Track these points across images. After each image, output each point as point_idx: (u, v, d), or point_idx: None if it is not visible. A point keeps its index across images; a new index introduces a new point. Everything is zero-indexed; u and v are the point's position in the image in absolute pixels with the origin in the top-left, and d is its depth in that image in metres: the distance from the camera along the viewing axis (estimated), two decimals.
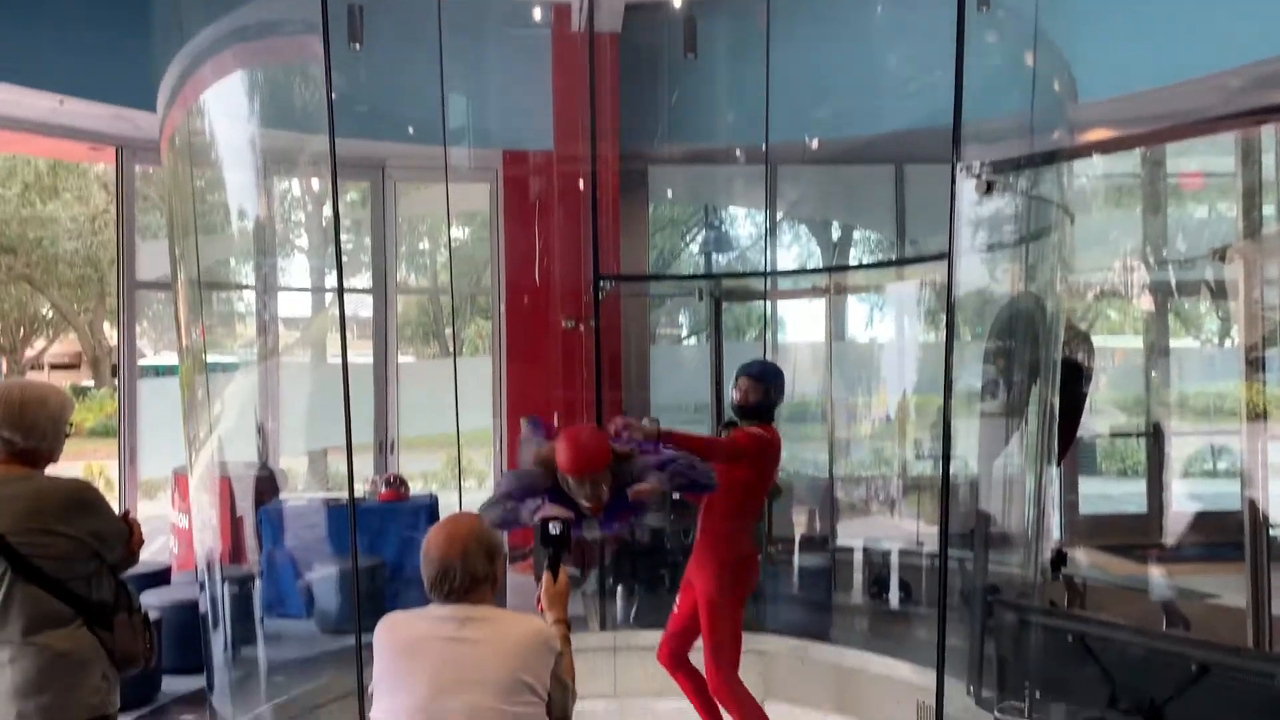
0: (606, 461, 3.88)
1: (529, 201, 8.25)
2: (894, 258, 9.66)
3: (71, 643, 2.79)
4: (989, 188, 3.31)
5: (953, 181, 3.26)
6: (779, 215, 9.55)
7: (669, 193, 9.81)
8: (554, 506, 3.92)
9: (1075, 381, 4.98)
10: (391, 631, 2.47)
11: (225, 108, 4.44)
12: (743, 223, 10.69)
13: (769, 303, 7.52)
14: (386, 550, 6.85)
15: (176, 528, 7.76)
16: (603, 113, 8.03)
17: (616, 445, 4.02)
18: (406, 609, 2.60)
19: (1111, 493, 10.95)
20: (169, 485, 8.39)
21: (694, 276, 9.13)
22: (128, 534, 2.98)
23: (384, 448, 8.71)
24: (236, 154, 4.78)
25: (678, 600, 4.74)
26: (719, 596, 4.46)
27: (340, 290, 3.91)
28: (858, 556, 6.58)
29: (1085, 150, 5.36)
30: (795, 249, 11.38)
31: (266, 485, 7.19)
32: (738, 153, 8.33)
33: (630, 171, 8.56)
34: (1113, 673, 3.11)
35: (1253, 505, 5.18)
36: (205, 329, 4.81)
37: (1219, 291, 8.02)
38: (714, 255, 10.43)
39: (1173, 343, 9.69)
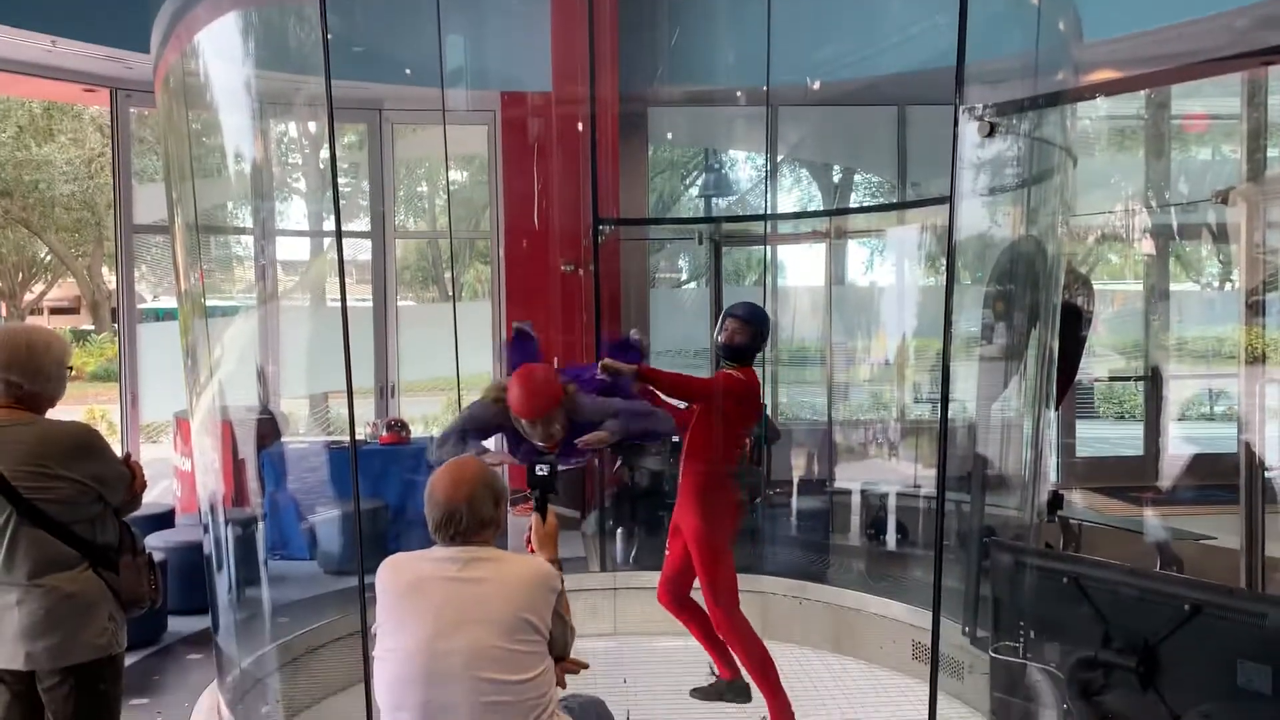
0: (558, 402, 3.92)
1: (527, 144, 8.17)
2: (895, 200, 9.62)
3: (78, 585, 2.83)
4: (991, 130, 3.27)
5: (955, 124, 3.23)
6: (780, 158, 9.49)
7: (669, 135, 9.71)
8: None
9: (1074, 326, 4.97)
10: (394, 573, 2.50)
11: (219, 48, 4.36)
12: (743, 166, 10.62)
13: (768, 247, 7.48)
14: (388, 492, 6.91)
15: (179, 471, 7.80)
16: (602, 53, 7.93)
17: (566, 382, 4.03)
18: (408, 550, 2.63)
19: (1110, 436, 11.02)
20: (171, 429, 8.43)
21: (692, 220, 9.08)
22: (130, 477, 3.00)
23: (384, 391, 8.72)
24: (231, 96, 4.71)
25: (668, 544, 4.79)
26: (707, 539, 4.49)
27: (339, 234, 3.87)
28: (855, 499, 6.63)
29: (1090, 92, 5.29)
30: (796, 192, 11.33)
31: (268, 429, 7.21)
32: (738, 94, 8.23)
33: (630, 113, 8.48)
34: (1106, 613, 3.15)
35: (1248, 448, 5.21)
36: (204, 273, 4.77)
37: (1220, 235, 7.99)
38: (714, 199, 10.38)
39: (1173, 286, 9.68)
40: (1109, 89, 5.53)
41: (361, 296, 9.07)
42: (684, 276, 11.32)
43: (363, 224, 9.58)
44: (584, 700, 2.88)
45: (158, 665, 5.04)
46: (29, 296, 25.86)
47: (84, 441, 2.89)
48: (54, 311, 28.22)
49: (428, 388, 13.96)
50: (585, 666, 2.70)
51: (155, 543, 5.84)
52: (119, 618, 2.93)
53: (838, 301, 7.70)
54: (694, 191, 12.53)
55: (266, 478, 6.82)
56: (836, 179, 11.61)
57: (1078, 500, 8.22)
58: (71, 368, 3.02)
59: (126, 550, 2.96)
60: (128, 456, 3.06)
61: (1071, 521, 6.16)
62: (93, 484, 2.85)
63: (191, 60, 4.33)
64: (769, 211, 7.88)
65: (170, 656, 5.16)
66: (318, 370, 8.45)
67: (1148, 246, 9.10)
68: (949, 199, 3.28)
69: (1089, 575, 3.22)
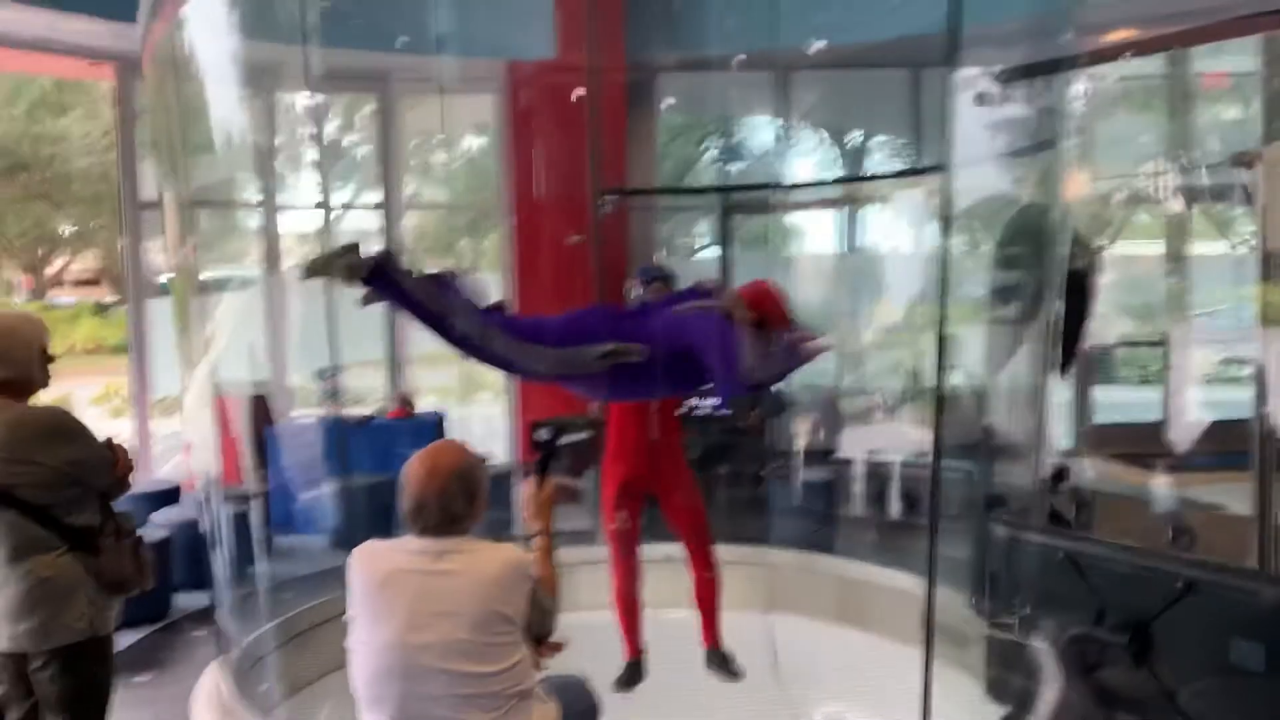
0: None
1: (531, 114, 8.08)
2: (911, 165, 9.45)
3: (55, 569, 2.83)
4: (981, 99, 3.18)
5: (945, 95, 3.14)
6: (792, 123, 9.34)
7: (677, 102, 9.58)
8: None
9: (1080, 293, 4.89)
10: (368, 562, 2.46)
11: (209, 18, 4.26)
12: (757, 131, 10.46)
13: (775, 214, 7.39)
14: (394, 467, 6.90)
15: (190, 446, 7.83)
16: (606, 19, 7.83)
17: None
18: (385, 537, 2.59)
19: (1133, 401, 10.85)
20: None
21: (696, 190, 8.98)
22: (112, 460, 2.99)
23: (395, 364, 8.71)
24: (223, 67, 4.65)
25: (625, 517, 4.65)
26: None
27: (325, 205, 3.82)
28: (860, 469, 6.58)
29: (1101, 56, 5.16)
30: (811, 158, 11.15)
31: (272, 404, 7.24)
32: (747, 59, 8.08)
33: (637, 80, 8.37)
34: (1100, 589, 3.09)
35: (1263, 414, 5.10)
36: (195, 248, 4.73)
37: (1245, 196, 7.81)
38: (727, 166, 10.23)
39: (1196, 248, 9.48)
40: (1119, 51, 5.38)
41: None
42: (697, 245, 11.21)
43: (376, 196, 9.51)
44: (565, 679, 2.85)
45: (163, 641, 5.08)
46: (51, 270, 26.04)
47: (57, 426, 2.88)
48: (77, 284, 28.42)
49: (447, 359, 13.98)
50: (561, 648, 2.67)
51: (161, 519, 5.88)
52: (100, 601, 2.93)
53: (850, 268, 7.59)
54: (706, 159, 12.39)
55: (270, 453, 6.86)
56: (852, 143, 11.42)
57: (1095, 468, 8.12)
58: (52, 356, 3.00)
59: (109, 533, 2.95)
60: (109, 440, 3.04)
61: (1085, 491, 6.09)
62: (69, 468, 2.85)
63: (180, 31, 4.25)
64: (777, 179, 7.75)
65: (176, 632, 5.20)
66: (323, 344, 8.49)
67: (1171, 207, 8.92)
68: (944, 168, 3.20)
69: (1083, 551, 3.17)
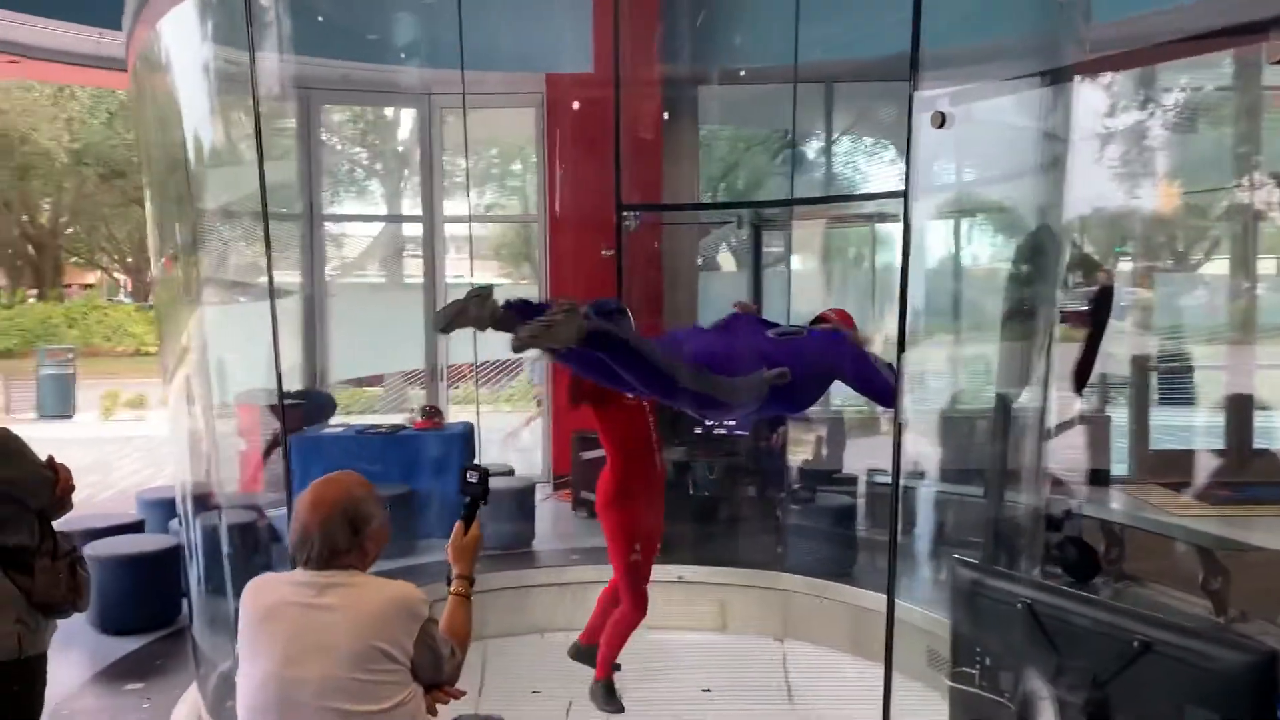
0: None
1: (568, 127, 8.07)
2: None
3: None
4: (942, 121, 3.02)
5: (910, 111, 3.00)
6: (836, 135, 9.17)
7: (718, 115, 9.47)
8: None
9: (1096, 314, 4.71)
10: (255, 595, 2.43)
11: (187, 28, 4.20)
12: (805, 143, 10.27)
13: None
14: (419, 479, 6.92)
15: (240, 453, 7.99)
16: (641, 34, 7.77)
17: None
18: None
19: (1197, 425, 10.36)
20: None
21: (717, 205, 8.86)
22: (52, 480, 3.01)
23: (435, 374, 8.77)
24: (209, 76, 4.57)
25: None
26: None
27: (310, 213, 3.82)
28: (862, 488, 6.43)
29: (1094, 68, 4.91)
30: (857, 169, 10.91)
31: (299, 414, 7.33)
32: (783, 72, 7.94)
33: (677, 94, 8.29)
34: (1057, 643, 2.91)
35: None
36: (174, 259, 4.76)
37: None
38: (787, 177, 10.04)
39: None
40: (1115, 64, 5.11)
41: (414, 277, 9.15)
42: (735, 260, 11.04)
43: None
44: (479, 718, 2.78)
45: (162, 649, 5.14)
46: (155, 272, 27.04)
47: None
48: None
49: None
50: (458, 696, 2.58)
51: (175, 524, 5.97)
52: (31, 620, 2.94)
53: (880, 285, 7.40)
54: (748, 172, 12.18)
55: (295, 463, 6.92)
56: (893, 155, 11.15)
57: (1143, 498, 7.75)
58: None
59: (45, 554, 2.98)
60: (50, 460, 3.07)
61: (1114, 526, 5.82)
62: (4, 486, 2.87)
63: (159, 40, 4.21)
64: (821, 192, 7.59)
65: (178, 640, 5.25)
66: (359, 354, 8.60)
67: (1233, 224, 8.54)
68: (904, 194, 3.07)
69: (1042, 601, 2.98)
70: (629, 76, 7.86)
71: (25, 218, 26.87)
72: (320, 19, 7.37)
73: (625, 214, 6.57)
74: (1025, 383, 4.69)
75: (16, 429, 3.02)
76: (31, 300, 26.41)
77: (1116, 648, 2.75)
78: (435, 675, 2.46)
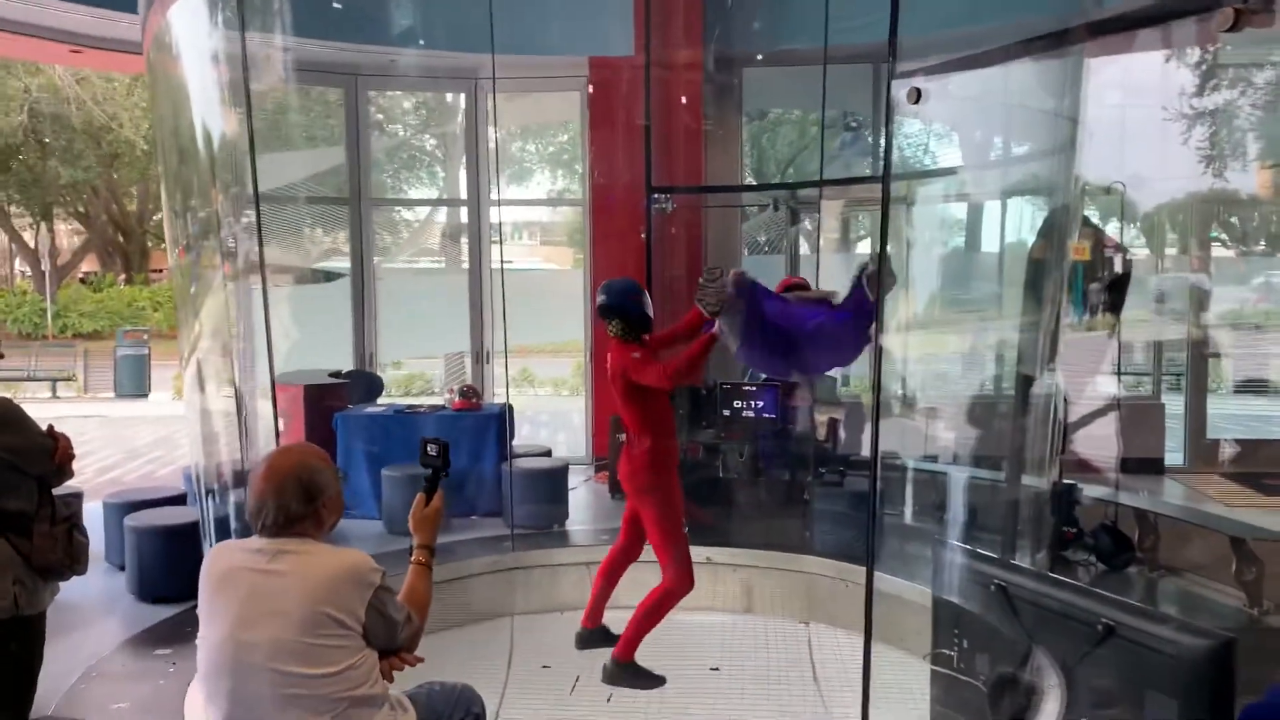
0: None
1: (610, 110, 8.09)
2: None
3: None
4: (918, 97, 2.98)
5: (889, 93, 2.97)
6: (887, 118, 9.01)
7: (763, 98, 9.40)
8: None
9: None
10: (212, 561, 2.51)
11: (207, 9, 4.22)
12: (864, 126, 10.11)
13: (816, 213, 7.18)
14: (456, 458, 7.01)
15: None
16: (684, 17, 7.76)
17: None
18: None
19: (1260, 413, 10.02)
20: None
21: (747, 188, 8.78)
22: (52, 448, 3.15)
23: (479, 356, 8.88)
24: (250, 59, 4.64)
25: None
26: None
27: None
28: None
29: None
30: (928, 149, 10.71)
31: (343, 392, 7.49)
32: (830, 52, 7.84)
33: (720, 77, 8.25)
34: (1029, 627, 2.88)
35: None
36: (185, 249, 4.89)
37: None
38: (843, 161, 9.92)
39: None
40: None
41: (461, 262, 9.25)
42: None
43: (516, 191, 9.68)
44: (444, 687, 2.84)
45: (196, 618, 5.29)
46: None
47: None
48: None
49: (557, 350, 14.18)
50: (414, 663, 2.63)
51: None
52: (30, 582, 3.09)
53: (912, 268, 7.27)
54: (792, 152, 12.05)
55: (339, 439, 7.10)
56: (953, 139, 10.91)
57: (1201, 486, 7.54)
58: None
59: (45, 519, 3.12)
60: (50, 428, 3.21)
61: (1149, 514, 5.67)
62: (5, 454, 3.01)
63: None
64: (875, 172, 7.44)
65: None
66: (402, 335, 8.76)
67: None
68: (883, 177, 3.03)
69: (1017, 584, 2.95)
70: (670, 59, 7.86)
71: (114, 206, 27.81)
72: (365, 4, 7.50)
73: (656, 196, 6.58)
74: (1046, 364, 4.60)
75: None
76: (120, 285, 27.33)
77: (1083, 631, 2.71)
78: (390, 641, 2.52)
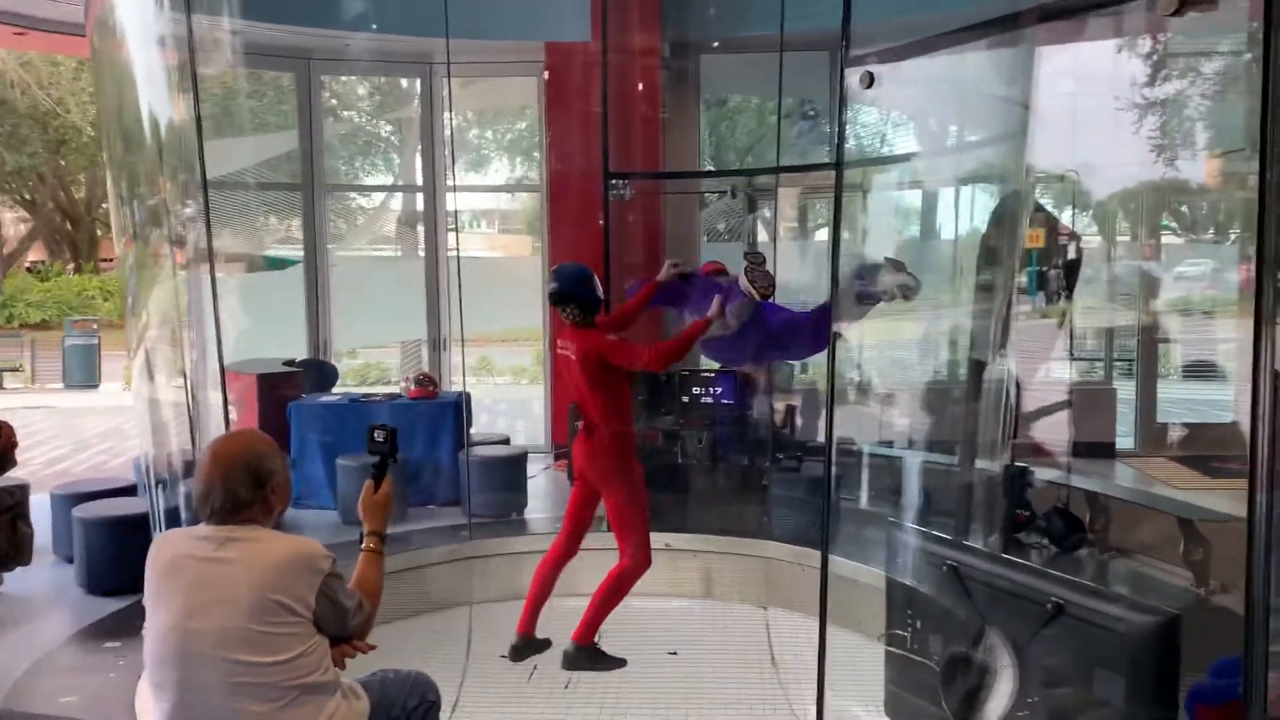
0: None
1: (568, 95, 8.04)
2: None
3: None
4: (871, 81, 2.99)
5: (842, 79, 2.97)
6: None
7: (720, 84, 9.39)
8: None
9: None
10: (159, 550, 2.47)
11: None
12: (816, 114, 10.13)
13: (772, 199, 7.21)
14: (413, 447, 6.98)
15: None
16: (636, 0, 7.73)
17: None
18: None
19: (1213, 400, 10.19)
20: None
21: (700, 174, 8.78)
22: None
23: (436, 344, 8.81)
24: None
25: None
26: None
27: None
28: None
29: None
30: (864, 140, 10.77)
31: (296, 381, 7.41)
32: (789, 39, 7.83)
33: (678, 63, 8.23)
34: (980, 607, 2.90)
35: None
36: (131, 240, 4.79)
37: None
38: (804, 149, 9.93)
39: None
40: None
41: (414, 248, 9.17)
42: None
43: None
44: (399, 674, 2.82)
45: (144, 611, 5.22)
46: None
47: None
48: None
49: (515, 338, 14.10)
50: (365, 650, 2.61)
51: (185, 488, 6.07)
52: None
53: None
54: (752, 139, 12.04)
55: (293, 428, 7.01)
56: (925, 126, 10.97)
57: (1151, 470, 7.65)
58: None
59: None
60: None
61: (1099, 496, 5.75)
62: None
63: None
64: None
65: None
66: (358, 324, 8.67)
67: None
68: (836, 165, 3.03)
69: (969, 565, 2.97)
70: (628, 45, 7.82)
71: (61, 193, 27.26)
72: None
73: (614, 182, 6.56)
74: (998, 349, 4.65)
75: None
76: (69, 274, 26.84)
77: (1033, 610, 2.74)
78: (341, 629, 2.50)
